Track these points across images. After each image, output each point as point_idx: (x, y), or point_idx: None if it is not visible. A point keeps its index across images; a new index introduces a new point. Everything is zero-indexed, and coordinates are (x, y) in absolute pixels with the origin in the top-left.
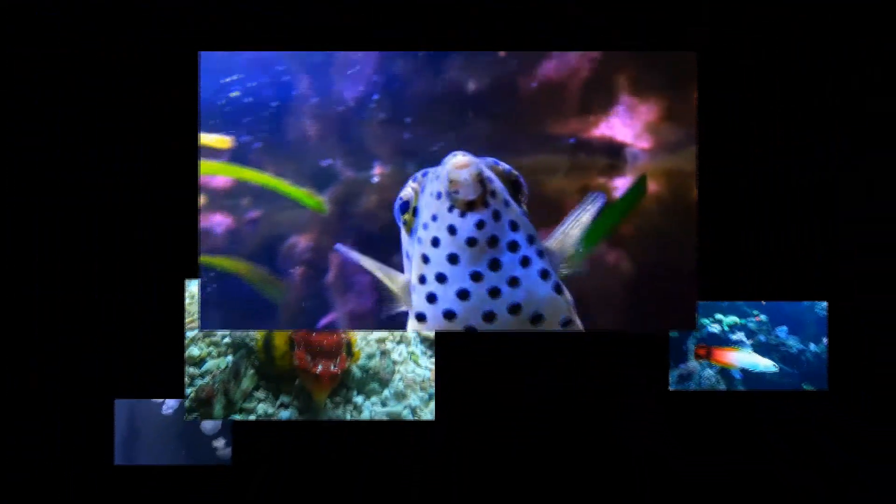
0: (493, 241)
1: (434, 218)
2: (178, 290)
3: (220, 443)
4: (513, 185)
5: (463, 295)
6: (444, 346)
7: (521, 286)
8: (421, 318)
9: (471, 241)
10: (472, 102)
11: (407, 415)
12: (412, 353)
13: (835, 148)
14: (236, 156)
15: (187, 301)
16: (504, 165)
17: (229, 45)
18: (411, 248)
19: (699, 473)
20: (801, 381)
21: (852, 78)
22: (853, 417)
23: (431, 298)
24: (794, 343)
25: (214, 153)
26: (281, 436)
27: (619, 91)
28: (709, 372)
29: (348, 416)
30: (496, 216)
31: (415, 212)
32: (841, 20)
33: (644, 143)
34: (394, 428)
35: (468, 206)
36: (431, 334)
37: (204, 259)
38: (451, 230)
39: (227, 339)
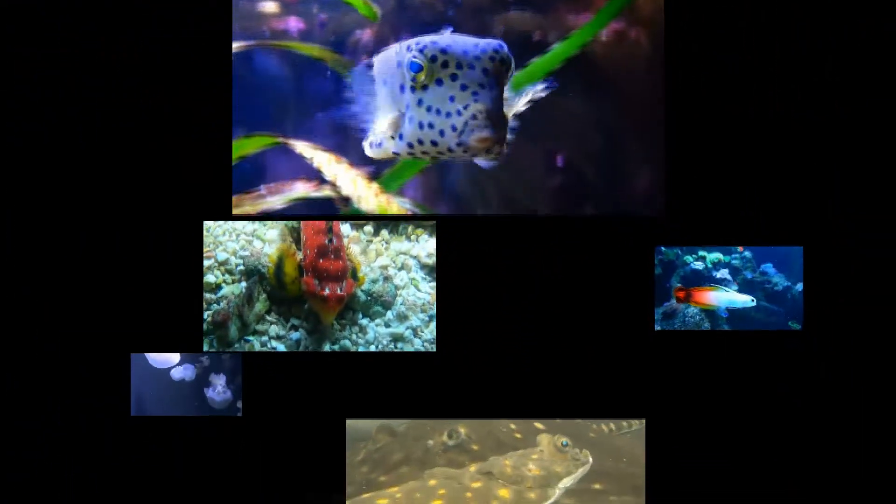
0: None
1: (441, 133)
2: (198, 232)
3: (231, 404)
4: (507, 68)
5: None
6: (444, 270)
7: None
8: (396, 154)
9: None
10: None
11: (409, 335)
12: (413, 279)
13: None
14: None
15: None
16: (504, 51)
17: None
18: (410, 99)
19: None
20: (786, 319)
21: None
22: (827, 358)
23: (412, 154)
24: (779, 280)
25: None
26: (287, 371)
27: None
28: (693, 310)
29: (354, 337)
30: None
31: (423, 87)
32: None
33: None
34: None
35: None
36: (432, 262)
37: (285, 44)
38: (451, 150)
39: (240, 268)
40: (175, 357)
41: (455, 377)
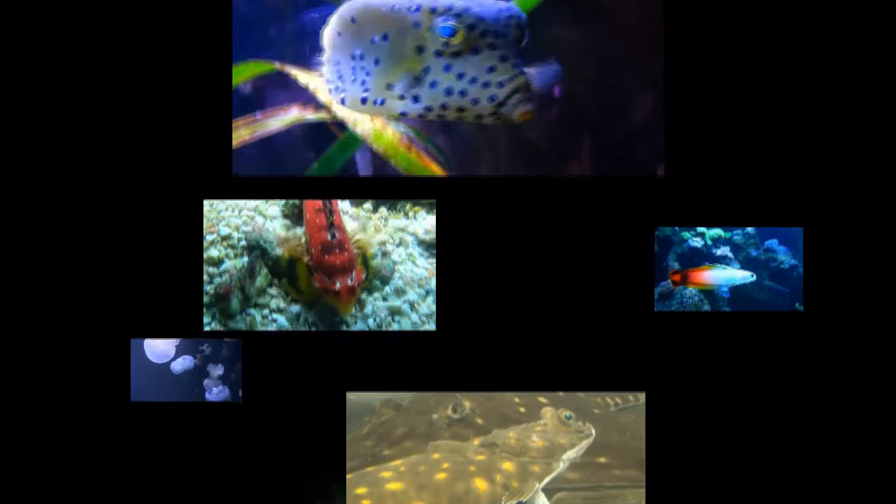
0: None
1: (475, 101)
2: (198, 209)
3: (231, 396)
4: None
5: None
6: (443, 247)
7: None
8: (402, 115)
9: None
10: None
11: (406, 309)
12: (410, 255)
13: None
14: None
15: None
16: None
17: None
18: (433, 63)
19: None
20: (793, 300)
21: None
22: (829, 340)
23: (423, 116)
24: (785, 258)
25: None
26: (286, 353)
27: None
28: (691, 290)
29: (352, 310)
30: None
31: (454, 53)
32: None
33: None
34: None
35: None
36: (429, 238)
37: None
38: (480, 117)
39: (242, 243)
40: (172, 350)
41: (455, 357)
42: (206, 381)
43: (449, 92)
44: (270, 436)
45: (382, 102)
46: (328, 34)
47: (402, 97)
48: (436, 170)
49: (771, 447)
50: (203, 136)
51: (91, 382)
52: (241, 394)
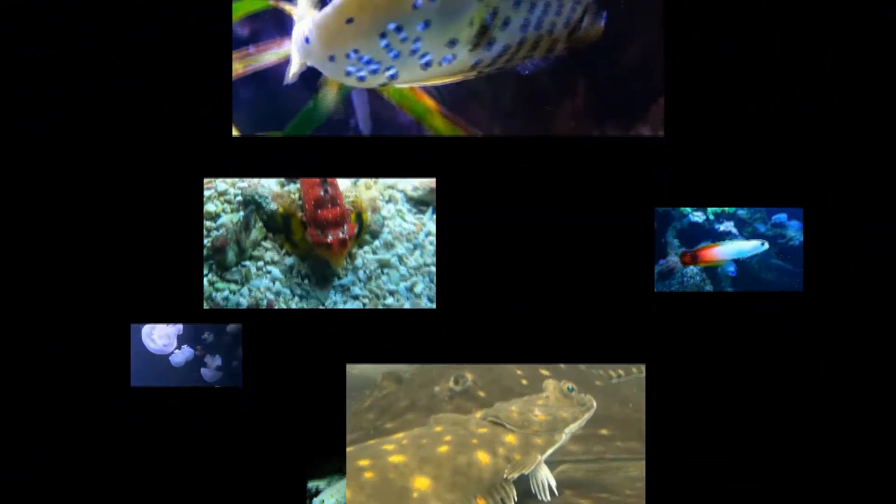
0: None
1: (551, 30)
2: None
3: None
4: None
5: None
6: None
7: None
8: (476, 65)
9: None
10: None
11: (395, 262)
12: (399, 211)
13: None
14: None
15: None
16: None
17: None
18: (501, 3)
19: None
20: (802, 281)
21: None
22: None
23: (493, 63)
24: (796, 234)
25: None
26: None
27: None
28: (693, 269)
29: (343, 262)
30: None
31: (494, 11)
32: None
33: None
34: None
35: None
36: (417, 195)
37: None
38: (550, 50)
39: (239, 198)
40: (173, 343)
41: (456, 333)
42: (203, 371)
43: (525, 25)
44: (272, 415)
45: (451, 60)
46: (328, 29)
47: (473, 47)
48: (428, 102)
49: (771, 421)
50: (202, 100)
51: (91, 368)
52: (241, 377)
